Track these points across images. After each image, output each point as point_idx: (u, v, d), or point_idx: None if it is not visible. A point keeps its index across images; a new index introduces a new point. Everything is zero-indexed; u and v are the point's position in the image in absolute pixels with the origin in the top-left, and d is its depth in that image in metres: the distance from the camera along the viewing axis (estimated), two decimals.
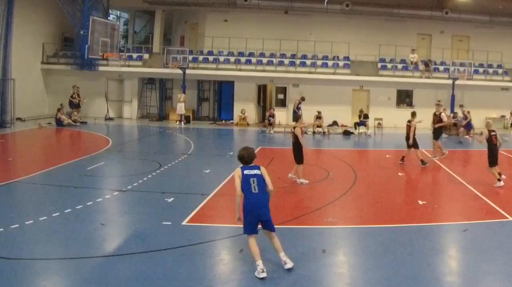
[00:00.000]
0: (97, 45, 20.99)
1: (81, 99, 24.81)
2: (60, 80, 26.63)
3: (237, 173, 6.30)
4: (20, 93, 22.52)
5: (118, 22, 27.87)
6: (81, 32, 20.22)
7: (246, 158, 6.40)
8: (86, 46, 19.99)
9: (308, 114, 22.67)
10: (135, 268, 6.29)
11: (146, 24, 34.26)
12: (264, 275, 5.97)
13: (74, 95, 24.42)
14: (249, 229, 6.19)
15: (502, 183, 11.45)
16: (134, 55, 27.16)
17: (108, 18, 25.17)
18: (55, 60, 26.63)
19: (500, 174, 11.63)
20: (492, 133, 11.77)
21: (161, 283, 5.86)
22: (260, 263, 6.04)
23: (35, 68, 25.89)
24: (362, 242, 7.63)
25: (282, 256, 6.28)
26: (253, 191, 6.17)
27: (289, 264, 6.24)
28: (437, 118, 16.20)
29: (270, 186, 6.33)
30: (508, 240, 7.64)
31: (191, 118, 26.41)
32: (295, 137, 11.36)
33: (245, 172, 6.27)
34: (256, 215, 6.17)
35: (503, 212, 9.14)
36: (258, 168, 6.38)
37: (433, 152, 15.80)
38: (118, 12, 32.50)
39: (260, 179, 6.26)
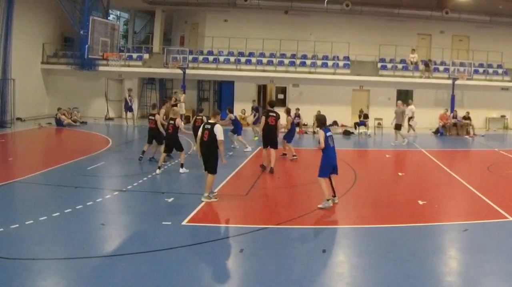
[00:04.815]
0: (97, 45, 20.91)
1: (181, 98, 24.41)
2: (60, 80, 26.66)
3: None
4: (20, 93, 22.53)
5: (118, 22, 27.78)
6: (81, 32, 20.13)
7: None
8: (86, 46, 19.90)
9: (307, 114, 22.69)
10: (135, 268, 6.29)
11: (146, 24, 34.26)
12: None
13: (128, 98, 24.45)
14: None
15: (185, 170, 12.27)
16: (134, 55, 27.16)
17: (108, 18, 25.07)
18: (55, 60, 26.63)
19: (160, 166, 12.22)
20: (171, 122, 12.27)
21: (161, 283, 5.86)
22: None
23: (35, 68, 25.89)
24: (362, 242, 7.64)
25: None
26: None
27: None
28: None
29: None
30: (508, 240, 7.63)
31: (191, 118, 26.34)
32: None
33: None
34: None
35: (503, 212, 9.14)
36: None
37: None
38: (118, 12, 32.47)
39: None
